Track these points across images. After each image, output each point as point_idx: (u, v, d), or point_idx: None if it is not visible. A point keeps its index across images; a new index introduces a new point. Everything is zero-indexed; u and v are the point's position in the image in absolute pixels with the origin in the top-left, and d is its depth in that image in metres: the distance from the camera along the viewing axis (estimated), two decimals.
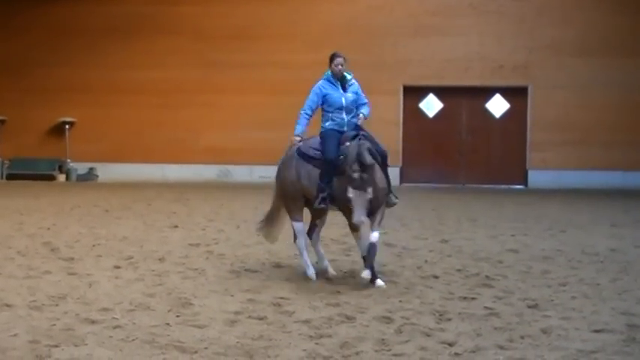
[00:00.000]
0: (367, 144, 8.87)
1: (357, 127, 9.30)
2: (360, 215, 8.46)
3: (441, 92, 28.93)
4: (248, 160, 27.57)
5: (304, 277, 9.17)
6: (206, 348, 6.07)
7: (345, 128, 9.22)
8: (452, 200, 21.68)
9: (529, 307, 7.66)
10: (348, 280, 9.07)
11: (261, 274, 9.39)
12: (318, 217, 9.60)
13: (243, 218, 15.53)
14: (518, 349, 6.09)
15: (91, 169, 29.44)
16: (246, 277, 9.22)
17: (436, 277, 9.35)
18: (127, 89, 28.97)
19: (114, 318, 7.01)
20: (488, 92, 28.75)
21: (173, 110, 28.73)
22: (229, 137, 28.05)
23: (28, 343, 6.10)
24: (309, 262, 9.29)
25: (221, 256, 10.88)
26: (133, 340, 6.27)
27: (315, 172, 9.06)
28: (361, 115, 9.31)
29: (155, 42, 29.02)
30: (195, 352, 5.96)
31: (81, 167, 29.48)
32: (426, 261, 10.59)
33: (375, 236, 8.80)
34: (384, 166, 9.13)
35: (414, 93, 28.80)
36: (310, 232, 9.64)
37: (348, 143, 8.90)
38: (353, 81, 9.47)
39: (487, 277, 9.32)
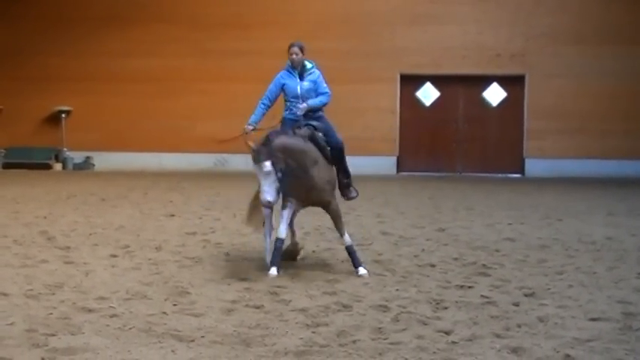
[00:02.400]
0: (309, 132, 8.83)
1: (317, 118, 9.17)
2: (266, 194, 8.33)
3: (437, 81, 28.92)
4: (245, 148, 27.49)
5: (299, 266, 9.16)
6: (203, 336, 6.06)
7: (301, 118, 9.12)
8: (449, 189, 21.68)
9: (525, 295, 7.67)
10: (344, 268, 9.06)
11: (258, 262, 9.38)
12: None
13: (239, 207, 15.50)
14: (515, 338, 6.09)
15: (88, 157, 29.41)
16: (242, 265, 9.22)
17: (433, 265, 9.36)
18: (123, 78, 28.91)
19: (110, 307, 7.00)
20: (485, 81, 28.75)
21: (169, 99, 28.69)
22: (226, 126, 27.99)
23: (25, 332, 6.09)
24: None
25: (218, 244, 10.87)
26: (130, 328, 6.27)
27: None
28: (305, 104, 9.11)
29: (151, 30, 28.95)
30: (192, 340, 5.96)
31: (77, 156, 29.45)
32: (422, 250, 10.59)
33: (346, 240, 8.84)
34: (338, 159, 9.02)
35: (411, 81, 28.79)
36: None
37: (296, 130, 8.88)
38: (313, 70, 9.36)
39: (484, 265, 9.33)
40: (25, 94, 29.22)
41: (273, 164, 8.31)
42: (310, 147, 8.73)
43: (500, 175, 28.04)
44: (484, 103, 28.94)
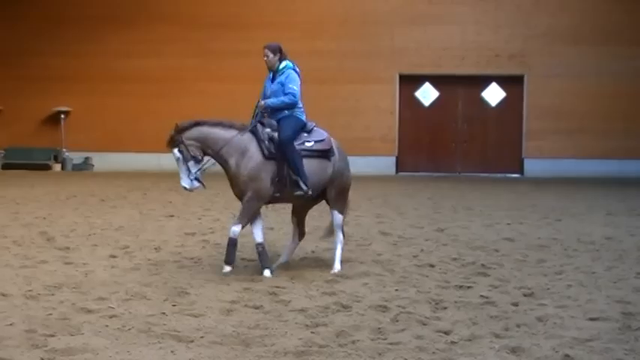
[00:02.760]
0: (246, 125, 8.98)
1: (284, 118, 9.11)
2: (181, 181, 8.88)
3: (437, 81, 28.93)
4: None
5: (299, 266, 9.17)
6: (202, 337, 6.07)
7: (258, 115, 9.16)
8: (448, 189, 21.69)
9: (525, 295, 7.67)
10: (344, 269, 9.06)
11: (257, 263, 9.37)
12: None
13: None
14: (514, 338, 6.10)
15: (87, 158, 29.42)
16: (242, 266, 9.22)
17: (432, 265, 9.36)
18: (123, 78, 28.91)
19: (110, 307, 7.00)
20: (484, 81, 28.77)
21: (169, 99, 28.67)
22: None
23: (24, 333, 6.09)
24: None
25: (217, 245, 10.88)
26: (129, 329, 6.27)
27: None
28: (262, 102, 9.11)
29: (151, 30, 28.95)
30: (192, 341, 5.97)
31: (76, 157, 29.46)
32: (422, 250, 10.60)
33: (235, 229, 8.81)
34: (282, 155, 8.88)
35: (410, 81, 28.80)
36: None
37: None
38: (284, 70, 9.24)
39: (483, 265, 9.33)
40: (25, 94, 29.23)
41: (181, 151, 8.70)
42: (240, 139, 8.80)
43: (499, 175, 28.06)
44: (483, 104, 28.94)
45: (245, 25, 28.16)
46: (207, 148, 8.80)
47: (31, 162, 28.98)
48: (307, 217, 9.66)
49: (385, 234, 12.12)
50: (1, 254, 9.89)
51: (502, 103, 28.90)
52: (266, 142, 8.84)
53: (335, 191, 9.24)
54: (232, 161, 8.77)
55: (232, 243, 8.80)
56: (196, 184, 8.86)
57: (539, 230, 12.73)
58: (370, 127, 28.21)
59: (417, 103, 29.16)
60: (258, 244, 8.84)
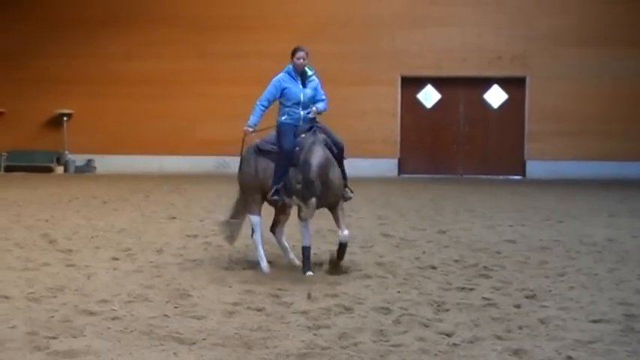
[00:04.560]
0: (323, 136, 8.96)
1: (312, 120, 9.24)
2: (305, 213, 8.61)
3: (438, 83, 28.91)
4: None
5: (301, 268, 9.17)
6: (204, 339, 6.07)
7: (301, 123, 9.17)
8: (449, 191, 21.68)
9: (527, 297, 7.67)
10: (346, 271, 9.05)
11: (260, 265, 9.39)
12: (281, 212, 9.58)
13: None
14: (516, 340, 6.10)
15: (89, 160, 29.43)
16: (244, 268, 9.22)
17: (434, 267, 9.36)
18: (124, 80, 28.92)
19: (112, 309, 7.01)
20: (486, 83, 28.75)
21: (170, 101, 28.70)
22: (227, 128, 28.02)
23: (27, 335, 6.10)
24: (263, 256, 9.26)
25: (219, 247, 10.87)
26: (132, 331, 6.27)
27: (272, 165, 9.11)
28: (314, 108, 9.19)
29: (152, 33, 28.96)
30: (194, 343, 5.97)
31: (79, 159, 29.48)
32: (424, 252, 10.60)
33: (345, 235, 8.92)
34: (340, 159, 9.11)
35: (412, 84, 28.78)
36: (273, 228, 9.69)
37: (303, 135, 8.98)
38: (314, 77, 9.37)
39: (485, 267, 9.33)
40: (27, 96, 29.25)
41: (318, 197, 8.50)
42: (327, 152, 8.82)
43: (501, 177, 28.04)
44: (485, 105, 28.94)
45: (245, 27, 28.16)
46: (325, 174, 8.64)
47: (33, 164, 29.03)
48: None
49: (387, 236, 12.12)
50: (4, 257, 9.90)
51: (504, 105, 28.87)
52: (334, 149, 9.00)
53: None
54: (331, 174, 8.77)
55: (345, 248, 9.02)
56: None
57: (541, 232, 12.72)
58: (372, 129, 28.20)
59: (419, 105, 29.14)
60: (306, 248, 8.97)
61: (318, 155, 8.58)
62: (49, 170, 29.10)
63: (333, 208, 9.02)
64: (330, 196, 8.77)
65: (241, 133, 9.44)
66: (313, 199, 8.37)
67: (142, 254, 10.26)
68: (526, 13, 28.12)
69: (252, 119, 9.31)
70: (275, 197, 8.96)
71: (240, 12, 28.63)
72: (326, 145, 8.87)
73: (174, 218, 14.41)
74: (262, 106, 9.32)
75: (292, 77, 9.29)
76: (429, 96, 29.14)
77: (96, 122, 29.03)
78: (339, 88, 27.93)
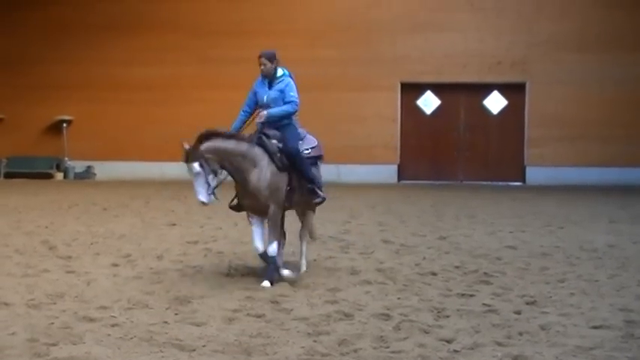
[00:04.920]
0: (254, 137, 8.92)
1: (285, 126, 9.13)
2: (199, 195, 8.62)
3: (438, 89, 28.93)
4: None
5: (303, 274, 9.16)
6: (204, 346, 6.06)
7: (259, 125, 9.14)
8: (450, 197, 21.68)
9: (527, 303, 7.66)
10: (346, 277, 9.06)
11: (259, 271, 9.38)
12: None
13: (241, 216, 15.51)
14: (517, 346, 6.09)
15: (89, 167, 29.44)
16: (244, 274, 9.21)
17: (434, 273, 9.35)
18: (124, 86, 28.95)
19: (112, 316, 7.00)
20: (486, 89, 28.77)
21: (170, 107, 28.71)
22: None
23: (27, 342, 6.08)
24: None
25: (219, 253, 10.87)
26: (132, 338, 6.26)
27: None
28: (263, 112, 9.04)
29: (153, 38, 28.99)
30: (194, 349, 5.96)
31: (79, 165, 29.49)
32: (424, 258, 10.59)
33: (271, 251, 8.75)
34: (295, 165, 8.94)
35: (412, 89, 28.80)
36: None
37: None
38: (283, 78, 9.23)
39: (485, 273, 9.32)
40: (27, 102, 29.28)
41: (202, 165, 8.45)
42: (253, 151, 8.74)
43: (501, 182, 28.03)
44: (485, 111, 28.96)
45: (245, 32, 28.15)
46: (225, 161, 8.62)
47: (33, 171, 29.04)
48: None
49: (387, 242, 12.11)
50: (3, 263, 9.89)
51: (504, 111, 28.89)
52: (277, 154, 8.84)
53: None
54: (250, 175, 8.67)
55: (273, 262, 8.74)
56: (213, 198, 8.70)
57: (541, 238, 12.72)
58: (372, 135, 28.21)
59: (419, 111, 29.15)
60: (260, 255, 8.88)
61: (219, 140, 8.65)
62: (49, 177, 29.11)
63: (262, 216, 8.93)
64: (251, 199, 8.78)
65: None
66: (196, 164, 8.46)
67: (142, 260, 10.25)
68: (526, 18, 28.14)
69: (234, 124, 9.29)
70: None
71: (240, 17, 28.66)
72: (265, 148, 8.81)
73: (174, 224, 14.41)
74: (243, 111, 9.37)
75: (262, 80, 9.31)
76: (429, 102, 29.15)
77: (96, 128, 29.03)
78: (339, 94, 28.05)
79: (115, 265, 9.90)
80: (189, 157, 8.48)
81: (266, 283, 8.52)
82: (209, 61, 28.59)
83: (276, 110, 9.05)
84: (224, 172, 8.76)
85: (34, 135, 29.68)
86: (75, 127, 29.37)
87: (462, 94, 28.71)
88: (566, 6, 28.01)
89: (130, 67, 28.96)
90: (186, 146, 8.51)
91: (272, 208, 8.75)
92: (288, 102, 9.10)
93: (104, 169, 29.11)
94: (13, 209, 16.99)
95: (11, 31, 29.71)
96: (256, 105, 9.29)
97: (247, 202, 8.92)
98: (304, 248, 9.52)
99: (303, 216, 9.57)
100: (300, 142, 9.20)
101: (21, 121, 29.39)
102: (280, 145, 8.89)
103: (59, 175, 29.41)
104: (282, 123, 9.12)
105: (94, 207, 17.74)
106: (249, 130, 9.26)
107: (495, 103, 28.90)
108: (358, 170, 27.17)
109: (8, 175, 29.38)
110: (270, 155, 8.80)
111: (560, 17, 27.93)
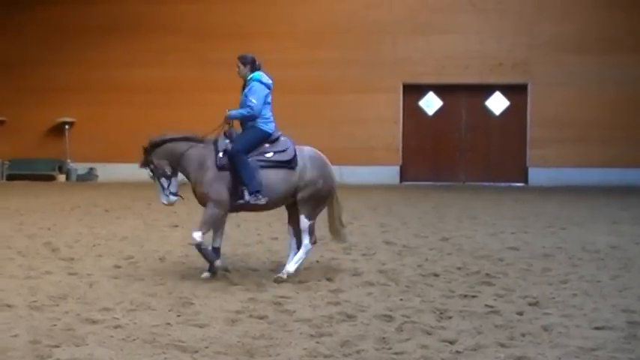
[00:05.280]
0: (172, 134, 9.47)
1: (250, 128, 9.34)
2: (159, 197, 9.47)
3: (440, 90, 28.96)
4: None
5: (303, 275, 9.16)
6: (207, 347, 6.06)
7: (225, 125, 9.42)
8: (452, 198, 21.68)
9: (530, 304, 7.66)
10: (348, 278, 9.06)
11: (262, 272, 9.39)
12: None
13: (243, 217, 15.53)
14: (519, 347, 6.09)
15: (91, 169, 29.48)
16: (246, 276, 9.22)
17: (437, 275, 9.35)
18: (126, 88, 29.00)
19: (115, 318, 7.00)
20: (487, 90, 28.79)
21: (172, 109, 28.71)
22: None
23: (29, 344, 6.09)
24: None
25: (221, 255, 10.86)
26: (134, 339, 6.26)
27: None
28: (226, 112, 9.37)
29: (154, 40, 29.04)
30: (196, 351, 5.96)
31: (81, 167, 29.53)
32: (426, 259, 10.59)
33: (195, 236, 9.06)
34: (232, 165, 9.07)
35: (414, 91, 28.83)
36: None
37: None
38: (251, 82, 9.45)
39: (487, 274, 9.32)
40: (28, 105, 29.32)
41: (152, 170, 9.23)
42: (199, 151, 9.16)
43: (503, 184, 28.05)
44: (487, 112, 28.97)
45: (247, 35, 28.16)
46: (172, 162, 9.22)
47: (35, 173, 29.09)
48: None
49: (389, 243, 12.11)
50: (6, 265, 9.90)
51: (506, 112, 28.91)
52: (220, 153, 9.09)
53: (303, 198, 9.24)
54: (191, 174, 9.17)
55: (198, 248, 9.11)
56: (173, 198, 9.32)
57: (543, 239, 12.71)
58: (373, 136, 28.22)
59: (421, 112, 29.18)
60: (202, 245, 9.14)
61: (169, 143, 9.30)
62: (51, 179, 29.15)
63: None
64: (197, 195, 9.29)
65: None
66: (147, 170, 9.39)
67: (145, 262, 10.26)
68: (528, 19, 28.15)
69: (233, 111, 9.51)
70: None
71: (241, 20, 28.69)
72: (214, 147, 9.19)
73: (176, 226, 14.41)
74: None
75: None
76: (430, 103, 29.17)
77: (98, 130, 29.07)
78: (340, 96, 28.05)
79: (118, 266, 9.91)
80: (141, 164, 9.44)
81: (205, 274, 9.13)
82: (210, 64, 28.58)
83: (234, 112, 9.36)
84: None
85: (36, 137, 29.73)
86: (77, 129, 29.41)
87: (463, 95, 28.73)
88: (567, 7, 28.03)
89: (131, 69, 29.00)
90: (143, 146, 9.29)
91: (208, 205, 9.16)
92: (246, 105, 9.31)
93: (106, 171, 29.14)
94: (15, 211, 17.00)
95: (12, 34, 29.77)
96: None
97: (197, 200, 9.38)
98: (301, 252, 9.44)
99: (294, 224, 9.56)
100: (268, 145, 9.29)
101: (23, 124, 29.44)
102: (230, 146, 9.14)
103: (61, 177, 29.45)
104: (246, 125, 9.36)
105: (96, 209, 17.75)
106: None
107: (497, 104, 28.92)
108: (360, 172, 27.15)
109: (10, 178, 29.42)
110: (215, 154, 9.11)
111: (561, 19, 27.95)
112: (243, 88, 9.48)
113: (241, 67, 9.49)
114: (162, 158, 9.27)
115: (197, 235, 8.97)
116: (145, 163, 9.37)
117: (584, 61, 27.69)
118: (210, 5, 29.06)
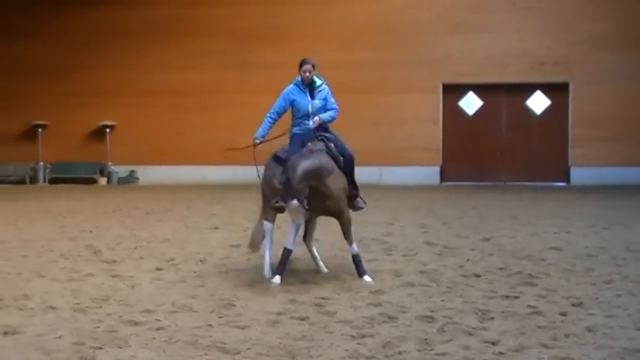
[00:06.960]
0: (322, 145, 9.00)
1: (319, 129, 9.24)
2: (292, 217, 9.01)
3: (480, 89, 28.81)
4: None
5: (345, 277, 9.14)
6: (249, 349, 6.07)
7: (311, 131, 9.25)
8: (493, 198, 21.55)
9: (573, 305, 7.58)
10: (389, 279, 9.03)
11: (303, 274, 9.38)
12: (307, 221, 9.65)
13: (283, 218, 15.55)
14: (563, 348, 6.03)
15: (132, 171, 29.72)
16: (287, 277, 9.21)
17: (478, 275, 9.29)
18: (164, 91, 29.23)
19: (156, 319, 7.04)
20: (528, 89, 28.59)
21: (210, 111, 28.92)
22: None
23: (73, 345, 6.15)
24: (267, 263, 9.45)
25: (262, 257, 10.86)
26: (176, 341, 6.29)
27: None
28: (317, 117, 9.20)
29: (191, 44, 29.25)
30: (238, 352, 5.97)
31: (122, 170, 29.78)
32: (467, 260, 10.52)
33: (353, 248, 9.06)
34: (349, 170, 9.10)
35: (453, 91, 28.71)
36: (305, 237, 9.79)
37: (309, 144, 9.00)
38: (323, 86, 9.39)
39: (530, 275, 9.23)
40: (69, 109, 29.67)
41: (300, 200, 8.45)
42: (325, 159, 8.83)
43: (544, 183, 27.82)
44: (528, 112, 28.77)
45: (283, 36, 28.30)
46: (312, 180, 8.57)
47: (77, 176, 29.43)
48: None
49: (430, 244, 12.05)
50: (49, 267, 10.00)
51: (547, 111, 28.69)
52: (341, 158, 9.03)
53: None
54: (328, 182, 8.74)
55: (359, 260, 9.12)
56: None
57: (586, 239, 12.58)
58: (413, 137, 28.15)
59: (461, 112, 29.05)
60: (287, 250, 9.03)
61: (309, 161, 8.54)
62: (93, 182, 29.44)
63: (337, 219, 9.07)
64: (329, 205, 8.86)
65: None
66: (294, 202, 8.36)
67: (186, 264, 10.30)
68: (567, 17, 27.91)
69: (260, 131, 9.43)
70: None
71: (277, 22, 28.80)
72: (330, 154, 8.93)
73: (217, 228, 14.47)
74: (271, 118, 9.44)
75: (300, 89, 9.35)
76: (470, 103, 29.04)
77: (138, 133, 29.33)
78: (379, 96, 28.02)
79: (159, 269, 9.96)
80: (285, 198, 8.42)
81: (367, 278, 8.95)
82: (247, 66, 28.75)
83: (325, 116, 9.28)
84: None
85: (77, 140, 30.06)
86: (117, 132, 29.68)
87: (503, 95, 28.56)
88: (607, 4, 27.78)
89: (170, 73, 29.24)
90: (279, 189, 8.65)
91: (346, 212, 9.08)
92: (331, 109, 9.34)
93: (147, 174, 29.38)
94: (57, 214, 17.17)
95: (52, 40, 30.12)
96: (284, 112, 9.45)
97: (322, 207, 8.97)
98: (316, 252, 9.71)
99: (310, 222, 9.62)
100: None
101: (64, 128, 29.78)
102: (336, 149, 9.08)
103: (103, 180, 29.74)
104: (324, 128, 9.33)
105: (137, 211, 17.87)
106: (273, 133, 9.49)
107: (538, 103, 28.71)
108: (400, 172, 27.11)
109: (53, 181, 29.78)
110: (335, 160, 8.96)
111: (601, 16, 27.68)
112: (312, 95, 9.31)
113: (313, 71, 9.31)
114: (305, 182, 8.48)
115: (356, 248, 9.11)
116: (293, 195, 8.39)
117: (624, 58, 27.39)
118: (245, 7, 29.19)
